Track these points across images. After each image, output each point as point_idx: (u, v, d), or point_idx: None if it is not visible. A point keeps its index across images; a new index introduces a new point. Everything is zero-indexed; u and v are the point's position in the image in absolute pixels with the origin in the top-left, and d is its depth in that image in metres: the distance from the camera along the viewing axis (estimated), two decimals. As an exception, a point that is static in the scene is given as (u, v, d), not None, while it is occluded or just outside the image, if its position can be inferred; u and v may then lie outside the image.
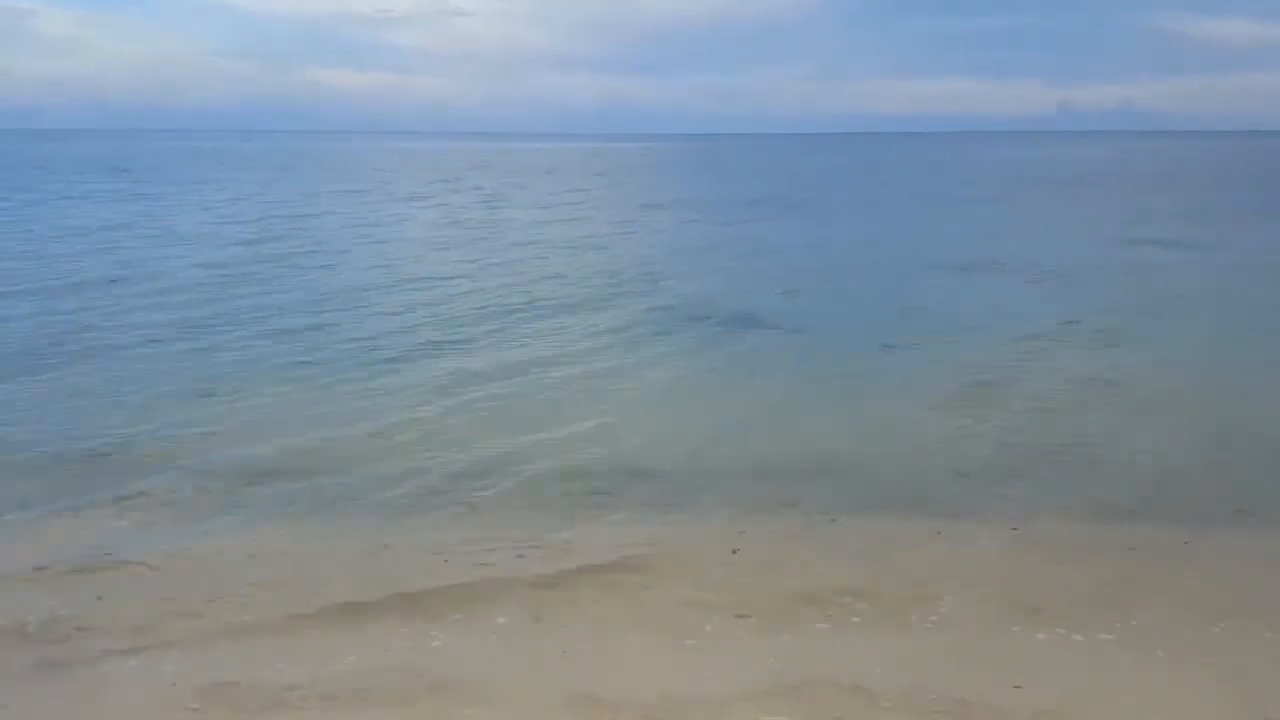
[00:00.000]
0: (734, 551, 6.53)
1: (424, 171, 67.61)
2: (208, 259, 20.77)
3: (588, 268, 20.13)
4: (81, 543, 6.63)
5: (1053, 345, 12.79)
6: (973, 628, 5.44)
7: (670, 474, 8.09)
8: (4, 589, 5.94)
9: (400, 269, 19.69)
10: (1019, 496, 7.56)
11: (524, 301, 15.86)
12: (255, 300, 15.89)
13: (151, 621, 5.48)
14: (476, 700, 4.70)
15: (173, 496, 7.54)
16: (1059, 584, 5.98)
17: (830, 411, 9.95)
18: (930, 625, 5.48)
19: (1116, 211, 33.57)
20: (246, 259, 20.82)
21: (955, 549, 6.60)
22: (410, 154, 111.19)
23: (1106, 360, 12.02)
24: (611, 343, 12.98)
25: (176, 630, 5.39)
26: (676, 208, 36.32)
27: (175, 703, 4.68)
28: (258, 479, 7.89)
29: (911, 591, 5.85)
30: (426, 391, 10.49)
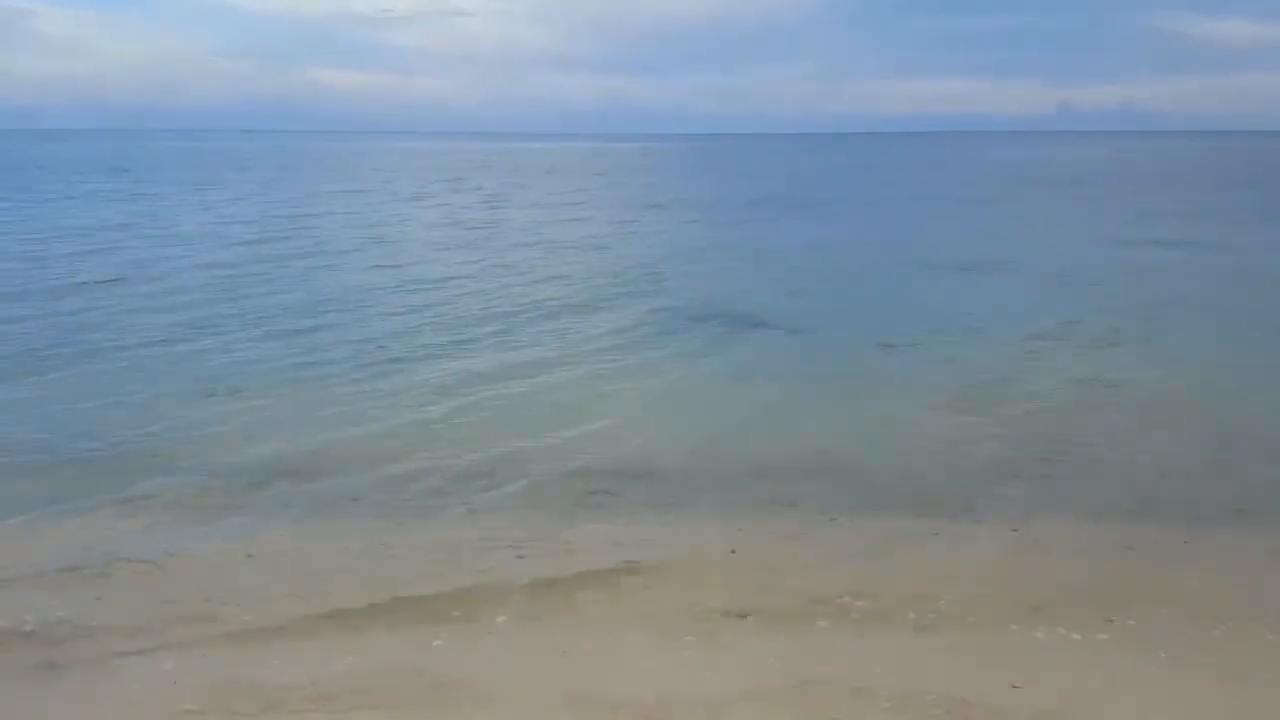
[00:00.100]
0: (733, 551, 6.54)
1: (425, 171, 67.62)
2: (209, 259, 20.78)
3: (589, 268, 20.13)
4: (82, 543, 6.63)
5: (1053, 345, 12.79)
6: (972, 628, 5.44)
7: (670, 474, 8.10)
8: (4, 589, 5.94)
9: (402, 270, 19.67)
10: (1019, 496, 7.57)
11: (526, 302, 15.86)
12: (257, 301, 15.89)
13: (151, 622, 5.49)
14: (476, 701, 4.71)
15: (173, 497, 7.54)
16: (1059, 584, 5.98)
17: (830, 411, 9.96)
18: (930, 625, 5.48)
19: (1116, 211, 33.58)
20: (248, 259, 20.82)
21: (955, 549, 6.60)
22: (410, 154, 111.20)
23: (1106, 360, 12.03)
24: (612, 344, 12.98)
25: (176, 631, 5.39)
26: (677, 208, 36.33)
27: (175, 703, 4.68)
28: (258, 480, 7.89)
29: (911, 591, 5.85)
30: (427, 392, 10.49)
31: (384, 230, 28.04)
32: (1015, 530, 6.89)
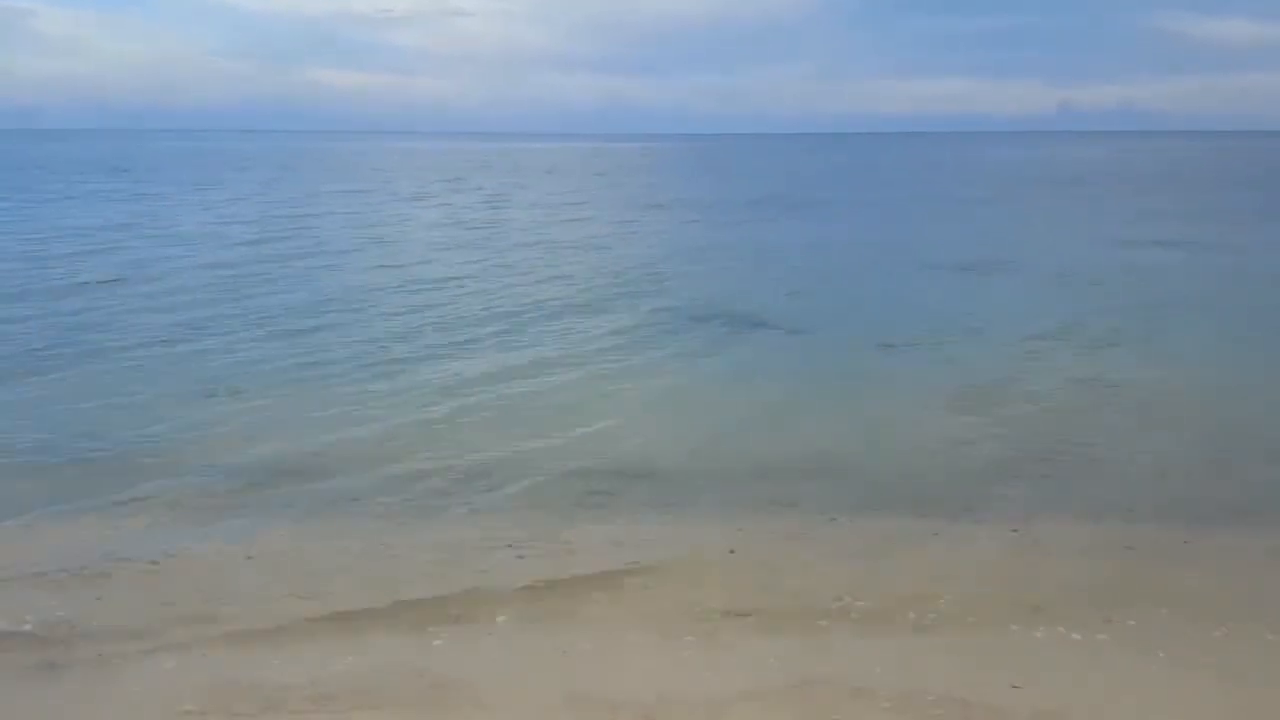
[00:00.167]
0: (732, 551, 6.54)
1: (425, 171, 67.64)
2: (209, 259, 20.78)
3: (590, 268, 20.13)
4: (82, 544, 6.63)
5: (1052, 345, 12.80)
6: (972, 628, 5.45)
7: (670, 474, 8.10)
8: (4, 589, 5.94)
9: (403, 270, 19.67)
10: (1019, 496, 7.57)
11: (527, 303, 15.86)
12: (258, 301, 15.89)
13: (151, 623, 5.48)
14: (476, 701, 4.71)
15: (173, 498, 7.54)
16: (1059, 584, 5.98)
17: (830, 411, 9.96)
18: (930, 625, 5.48)
19: (1116, 212, 33.58)
20: (249, 259, 20.83)
21: (955, 549, 6.61)
22: (410, 154, 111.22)
23: (1106, 361, 12.03)
24: (613, 344, 12.98)
25: (176, 631, 5.39)
26: (677, 208, 36.33)
27: (175, 704, 4.68)
28: (258, 480, 7.89)
29: (911, 591, 5.86)
30: (427, 393, 10.49)
31: (384, 230, 28.05)
32: (1015, 531, 6.89)
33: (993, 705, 4.61)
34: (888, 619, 5.53)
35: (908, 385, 10.92)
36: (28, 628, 5.44)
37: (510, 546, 6.58)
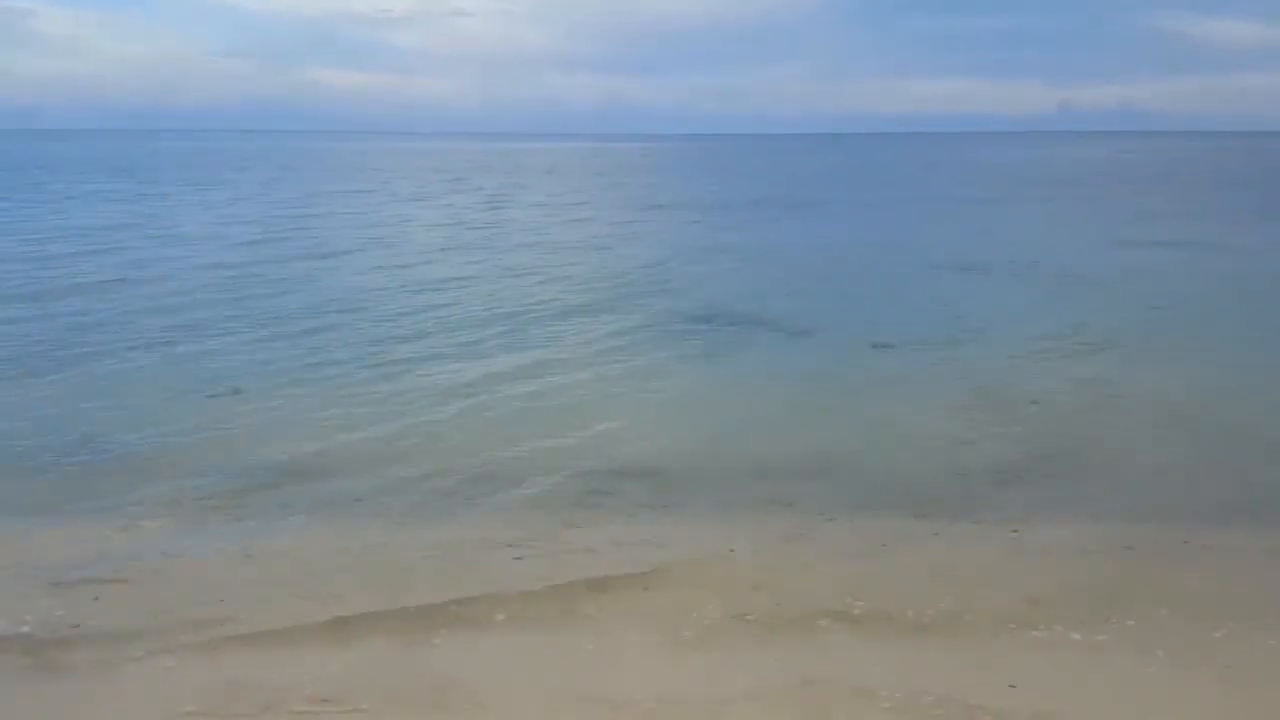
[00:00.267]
0: (732, 551, 6.54)
1: (425, 172, 67.65)
2: (211, 260, 20.78)
3: (591, 269, 20.13)
4: (81, 545, 6.63)
5: (1052, 346, 12.79)
6: (972, 627, 5.45)
7: (670, 475, 8.10)
8: (4, 591, 5.95)
9: (405, 271, 19.67)
10: (1018, 497, 7.57)
11: (528, 304, 15.86)
12: (259, 302, 15.88)
13: (152, 624, 5.48)
14: (476, 701, 4.71)
15: (174, 498, 7.54)
16: (1058, 584, 5.98)
17: (830, 412, 9.96)
18: (930, 625, 5.48)
19: (1116, 212, 33.57)
20: (250, 260, 20.82)
21: (955, 549, 6.61)
22: (411, 154, 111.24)
23: (1106, 361, 12.03)
24: (614, 345, 12.98)
25: (176, 632, 5.39)
26: (677, 208, 36.33)
27: (175, 704, 4.68)
28: (259, 481, 7.89)
29: (911, 591, 5.85)
30: (428, 395, 10.49)
31: (386, 231, 28.05)
32: (1015, 531, 6.89)
33: (992, 705, 4.62)
34: (887, 619, 5.53)
35: (907, 385, 10.92)
36: (27, 629, 5.44)
37: (510, 546, 6.58)
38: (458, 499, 7.54)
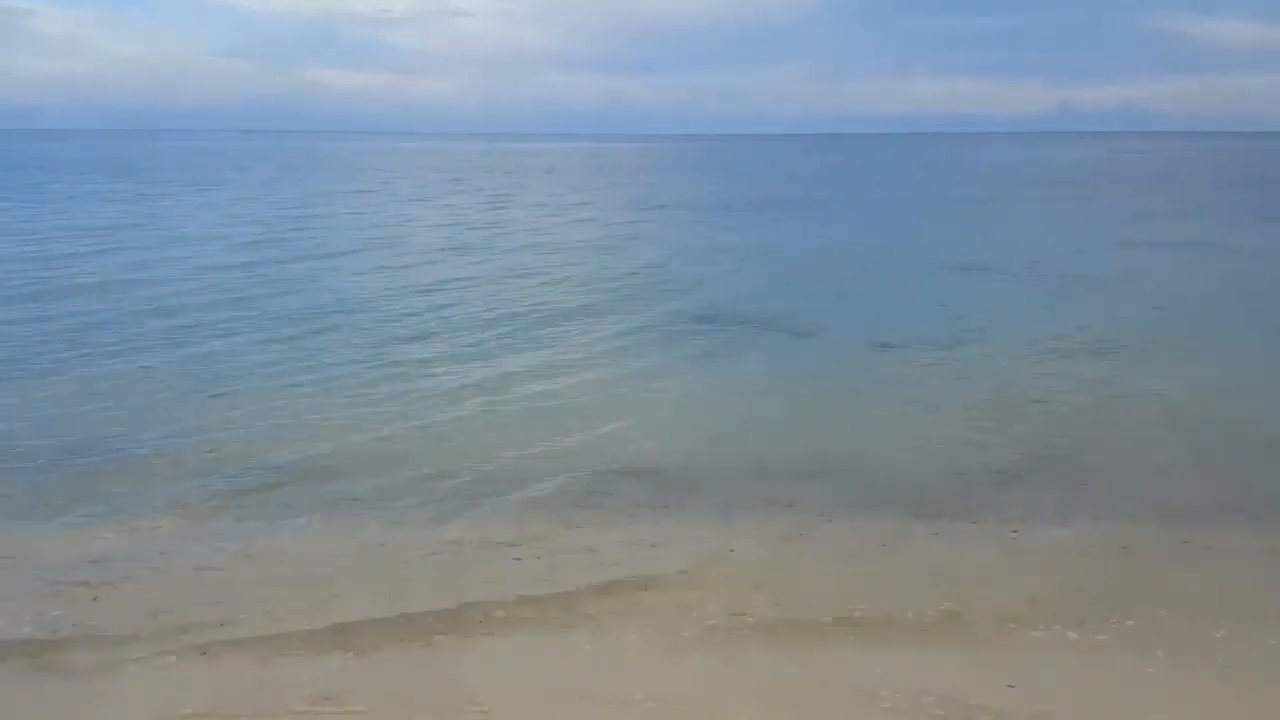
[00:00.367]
0: (732, 551, 6.54)
1: (425, 172, 67.65)
2: (211, 261, 20.78)
3: (592, 270, 20.14)
4: (81, 546, 6.64)
5: (1052, 346, 12.79)
6: (971, 628, 5.45)
7: (670, 475, 8.10)
8: (3, 592, 5.95)
9: (406, 272, 19.67)
10: (1018, 497, 7.58)
11: (529, 305, 15.86)
12: (260, 303, 15.88)
13: (151, 625, 5.49)
14: (476, 701, 4.72)
15: (174, 499, 7.54)
16: (1057, 584, 5.99)
17: (830, 413, 9.97)
18: (929, 625, 5.48)
19: (1116, 212, 33.56)
20: (251, 261, 20.80)
21: (954, 549, 6.61)
22: (411, 154, 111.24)
23: (1106, 361, 12.03)
24: (614, 346, 12.99)
25: (176, 634, 5.39)
26: (678, 209, 36.34)
27: (175, 705, 4.69)
28: (259, 482, 7.89)
29: (910, 592, 5.86)
30: (430, 396, 10.49)
31: (387, 231, 28.03)
32: (1015, 532, 6.90)
33: (992, 705, 4.62)
34: (887, 619, 5.54)
35: (907, 386, 10.93)
36: (27, 630, 5.45)
37: (510, 547, 6.59)
38: (458, 499, 7.54)
